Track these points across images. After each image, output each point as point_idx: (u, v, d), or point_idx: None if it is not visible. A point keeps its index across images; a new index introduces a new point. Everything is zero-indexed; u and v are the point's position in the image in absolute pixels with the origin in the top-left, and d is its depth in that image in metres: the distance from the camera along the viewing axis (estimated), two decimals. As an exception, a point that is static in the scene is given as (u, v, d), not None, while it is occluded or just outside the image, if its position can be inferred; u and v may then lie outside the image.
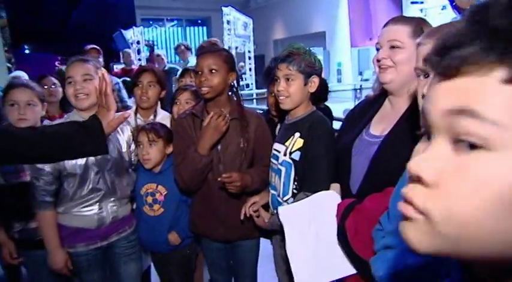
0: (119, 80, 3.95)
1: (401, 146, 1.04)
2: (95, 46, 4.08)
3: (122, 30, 8.29)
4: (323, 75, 1.67)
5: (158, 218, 1.90)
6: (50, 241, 1.70)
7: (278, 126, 1.95)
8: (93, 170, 1.72)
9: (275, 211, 1.66)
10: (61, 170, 1.68)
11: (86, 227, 1.74)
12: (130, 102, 2.98)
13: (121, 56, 7.60)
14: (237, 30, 7.68)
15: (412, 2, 8.56)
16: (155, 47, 10.10)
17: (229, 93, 1.79)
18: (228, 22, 7.55)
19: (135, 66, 5.50)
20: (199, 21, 14.54)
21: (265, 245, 1.97)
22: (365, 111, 1.39)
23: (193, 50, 5.28)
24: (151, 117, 2.14)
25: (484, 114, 0.33)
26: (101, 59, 3.85)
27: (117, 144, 1.81)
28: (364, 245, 1.06)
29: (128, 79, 4.07)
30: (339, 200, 1.29)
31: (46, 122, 1.92)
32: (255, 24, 8.55)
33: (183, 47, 5.10)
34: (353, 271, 1.19)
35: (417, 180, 0.36)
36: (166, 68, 4.92)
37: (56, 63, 9.53)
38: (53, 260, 1.72)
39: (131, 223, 1.90)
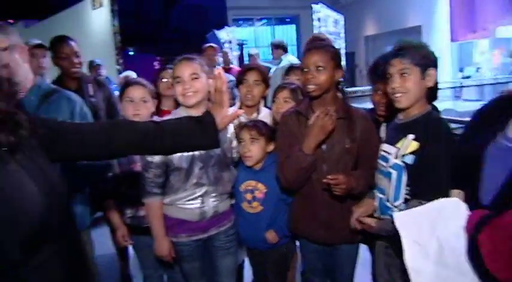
0: (233, 78, 4.12)
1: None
2: (212, 44, 4.23)
3: (215, 31, 8.60)
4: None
5: (257, 215, 1.90)
6: (156, 229, 1.80)
7: (382, 127, 1.83)
8: (197, 165, 1.77)
9: (381, 216, 1.56)
10: (168, 163, 1.75)
11: (189, 219, 1.80)
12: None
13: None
14: (327, 27, 7.52)
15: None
16: (244, 46, 10.35)
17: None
18: (319, 19, 7.41)
19: (233, 66, 5.65)
20: (288, 20, 14.61)
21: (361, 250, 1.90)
22: (498, 111, 1.23)
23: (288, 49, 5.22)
24: (255, 114, 2.15)
25: None
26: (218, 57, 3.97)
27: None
28: (505, 266, 0.92)
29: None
30: (465, 209, 1.15)
31: (155, 118, 2.04)
32: (345, 21, 8.30)
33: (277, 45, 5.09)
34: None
35: None
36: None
37: (155, 63, 10.28)
38: (158, 248, 1.81)
39: (230, 218, 1.93)
